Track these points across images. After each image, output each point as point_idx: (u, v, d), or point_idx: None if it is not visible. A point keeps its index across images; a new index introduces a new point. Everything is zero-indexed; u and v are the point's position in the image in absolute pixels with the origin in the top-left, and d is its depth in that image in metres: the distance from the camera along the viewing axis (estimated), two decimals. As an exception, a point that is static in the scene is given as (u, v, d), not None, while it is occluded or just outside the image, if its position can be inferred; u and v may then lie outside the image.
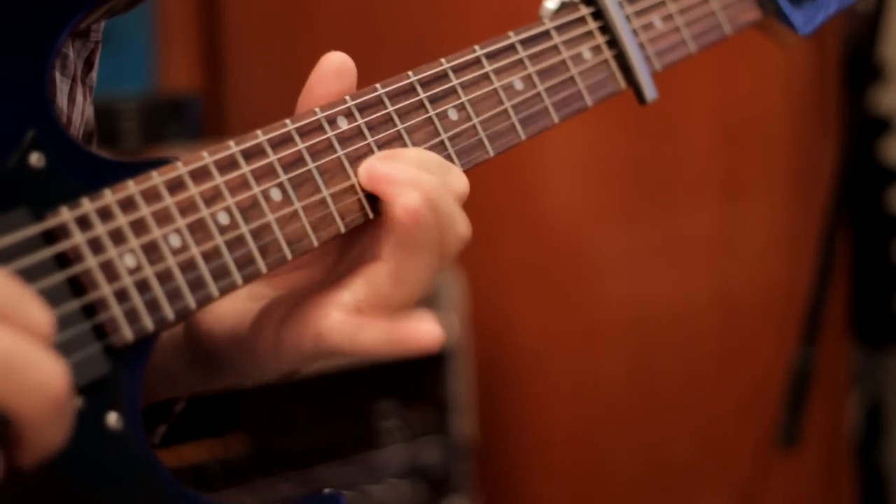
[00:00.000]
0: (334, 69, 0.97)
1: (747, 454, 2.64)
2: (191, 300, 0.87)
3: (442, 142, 1.00)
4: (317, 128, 0.95)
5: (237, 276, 0.89)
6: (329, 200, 0.94)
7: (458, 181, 0.95)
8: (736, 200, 2.69)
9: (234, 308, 0.98)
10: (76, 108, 0.99)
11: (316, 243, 0.93)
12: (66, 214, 0.83)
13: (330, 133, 0.95)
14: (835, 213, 2.53)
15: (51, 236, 0.83)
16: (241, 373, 1.02)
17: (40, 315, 0.75)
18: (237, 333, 0.98)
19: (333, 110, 0.96)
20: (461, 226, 0.94)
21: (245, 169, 0.91)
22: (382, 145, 0.97)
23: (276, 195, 0.92)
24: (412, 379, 2.49)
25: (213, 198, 0.89)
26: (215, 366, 1.01)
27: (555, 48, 1.07)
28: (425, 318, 0.92)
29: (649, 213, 2.70)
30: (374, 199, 0.96)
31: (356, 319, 0.92)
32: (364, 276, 0.93)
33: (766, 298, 2.69)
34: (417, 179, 0.92)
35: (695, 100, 2.62)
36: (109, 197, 0.85)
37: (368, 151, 0.96)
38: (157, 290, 0.86)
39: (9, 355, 0.72)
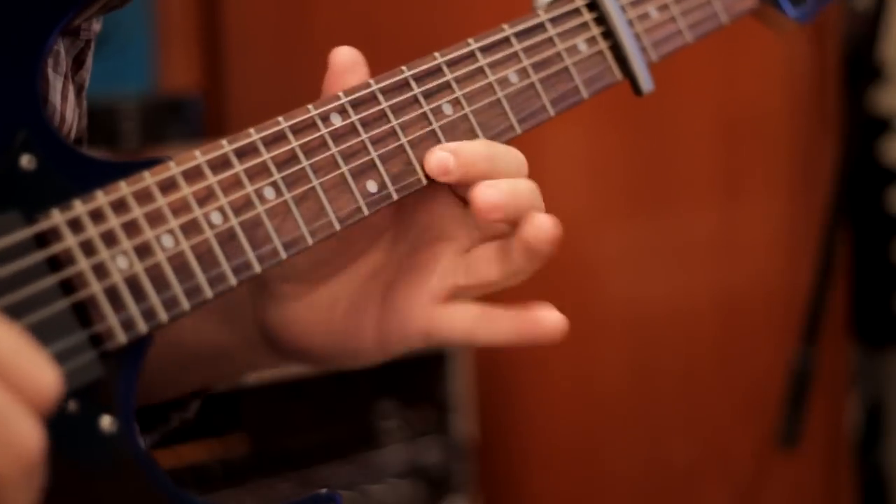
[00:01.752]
0: (349, 63, 0.97)
1: (747, 454, 2.64)
2: (184, 302, 0.86)
3: (437, 138, 0.99)
4: (310, 125, 0.94)
5: (231, 277, 0.89)
6: (323, 198, 0.93)
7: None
8: (736, 200, 2.68)
9: (312, 303, 0.99)
10: (68, 104, 0.98)
11: (311, 242, 0.92)
12: (57, 217, 0.82)
13: (323, 130, 0.94)
14: (835, 213, 2.52)
15: (42, 239, 0.82)
16: (330, 362, 1.02)
17: (46, 382, 0.74)
18: (329, 328, 0.99)
19: (327, 107, 0.95)
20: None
21: (238, 168, 0.90)
22: (376, 142, 0.96)
23: (269, 194, 0.91)
24: (412, 379, 2.49)
25: (206, 198, 0.88)
26: (295, 358, 1.02)
27: (549, 40, 1.05)
28: (546, 306, 0.98)
29: (649, 213, 2.70)
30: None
31: (475, 312, 0.97)
32: (457, 260, 0.98)
33: (766, 298, 2.68)
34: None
35: (695, 100, 2.62)
36: (101, 198, 0.84)
37: (362, 148, 0.95)
38: (150, 292, 0.85)
39: None
